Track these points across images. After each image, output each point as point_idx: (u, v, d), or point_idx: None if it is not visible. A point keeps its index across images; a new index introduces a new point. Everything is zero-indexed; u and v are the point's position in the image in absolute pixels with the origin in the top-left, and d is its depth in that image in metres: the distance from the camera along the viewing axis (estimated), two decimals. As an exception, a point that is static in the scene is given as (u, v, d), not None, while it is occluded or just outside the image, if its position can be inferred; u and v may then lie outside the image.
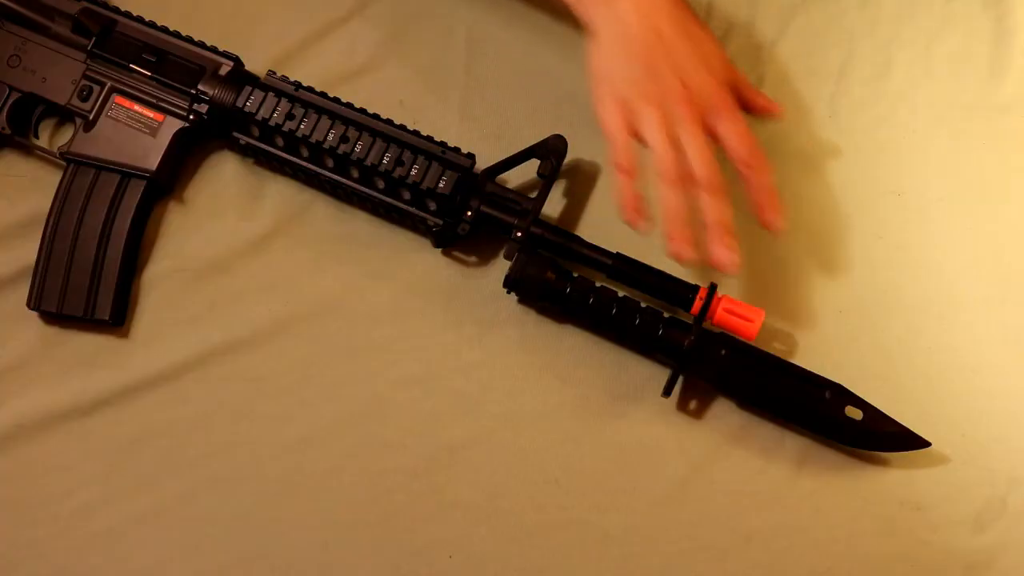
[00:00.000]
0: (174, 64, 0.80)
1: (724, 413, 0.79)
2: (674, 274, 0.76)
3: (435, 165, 0.76)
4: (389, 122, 0.79)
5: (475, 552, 0.76)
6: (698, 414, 0.79)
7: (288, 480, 0.77)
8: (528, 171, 0.79)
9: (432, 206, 0.77)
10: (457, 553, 0.76)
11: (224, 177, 0.83)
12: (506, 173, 0.79)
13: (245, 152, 0.81)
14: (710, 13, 0.85)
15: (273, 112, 0.77)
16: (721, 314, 0.75)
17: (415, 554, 0.76)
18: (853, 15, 0.87)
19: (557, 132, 0.78)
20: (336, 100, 0.79)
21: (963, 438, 0.78)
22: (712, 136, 0.70)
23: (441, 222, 0.77)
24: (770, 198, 0.71)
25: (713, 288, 0.75)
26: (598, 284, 0.77)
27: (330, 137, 0.77)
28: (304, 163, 0.78)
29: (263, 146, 0.79)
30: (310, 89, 0.79)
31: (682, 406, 0.79)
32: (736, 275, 0.72)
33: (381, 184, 0.78)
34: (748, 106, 0.74)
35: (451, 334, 0.80)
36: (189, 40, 0.81)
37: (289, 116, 0.77)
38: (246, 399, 0.79)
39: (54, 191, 0.80)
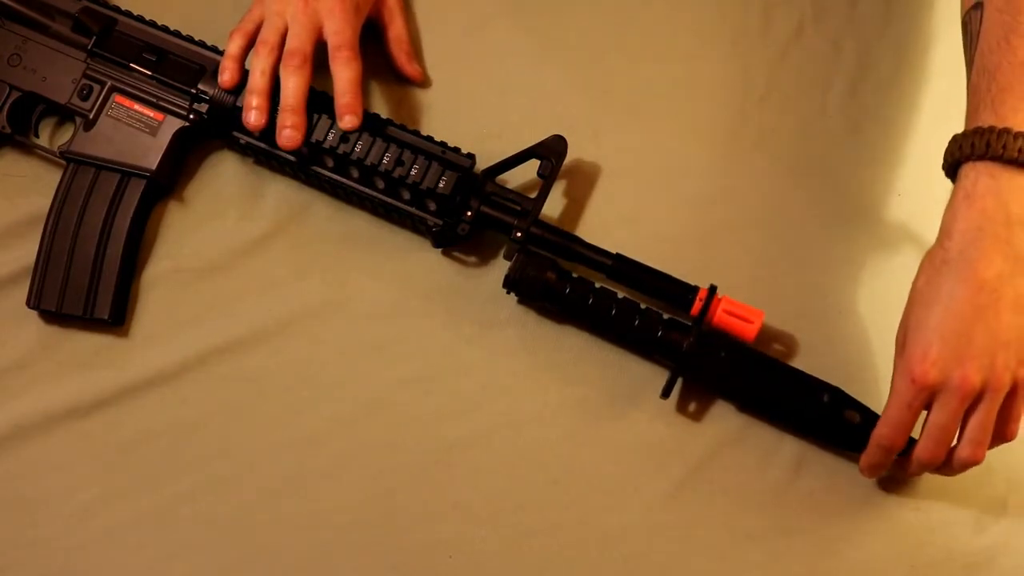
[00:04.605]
0: (174, 63, 0.80)
1: (724, 415, 0.79)
2: (674, 275, 0.77)
3: (435, 165, 0.76)
4: (389, 121, 0.79)
5: (475, 552, 0.76)
6: (697, 416, 0.79)
7: (288, 480, 0.77)
8: (528, 171, 0.79)
9: (432, 206, 0.77)
10: (457, 553, 0.76)
11: (224, 177, 0.83)
12: (506, 173, 0.79)
13: (245, 152, 0.81)
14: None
15: None
16: (721, 315, 0.75)
17: (415, 554, 0.76)
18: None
19: (556, 132, 0.78)
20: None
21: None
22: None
23: (441, 222, 0.77)
24: (349, 94, 0.76)
25: (713, 289, 0.75)
26: (598, 285, 0.77)
27: (330, 137, 0.77)
28: (304, 163, 0.78)
29: (263, 145, 0.79)
30: (310, 89, 0.79)
31: (681, 408, 0.79)
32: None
33: (381, 184, 0.78)
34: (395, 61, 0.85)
35: (451, 334, 0.80)
36: (189, 40, 0.81)
37: None
38: (246, 399, 0.78)
39: (54, 190, 0.79)
